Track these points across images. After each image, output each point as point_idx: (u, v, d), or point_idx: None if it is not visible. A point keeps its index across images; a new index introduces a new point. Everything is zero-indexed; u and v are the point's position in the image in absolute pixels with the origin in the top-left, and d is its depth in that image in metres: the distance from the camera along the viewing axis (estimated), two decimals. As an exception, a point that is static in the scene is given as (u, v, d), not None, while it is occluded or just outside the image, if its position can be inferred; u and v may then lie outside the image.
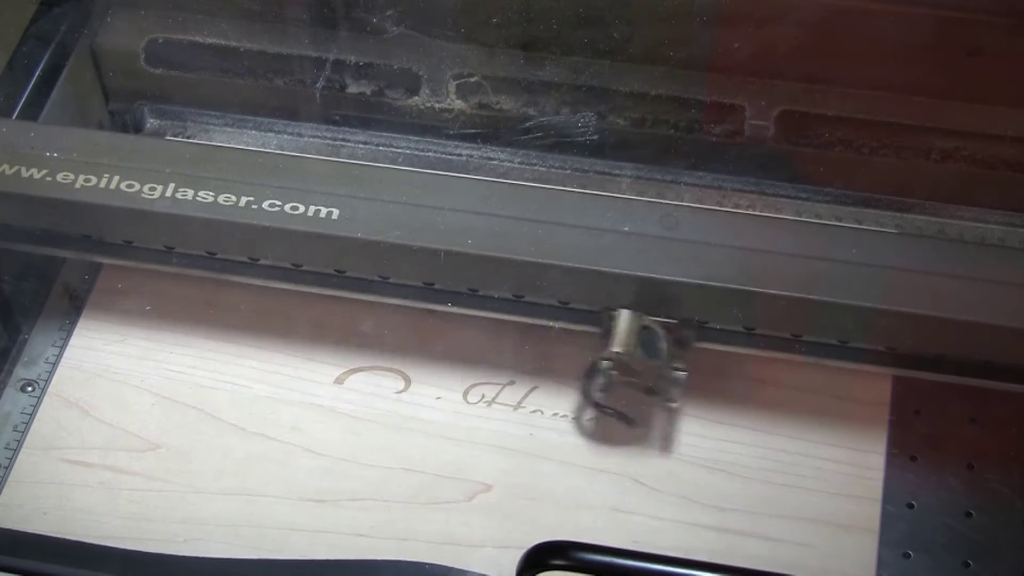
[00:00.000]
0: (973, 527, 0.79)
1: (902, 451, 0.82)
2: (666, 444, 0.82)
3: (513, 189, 0.84)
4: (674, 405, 0.81)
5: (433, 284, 0.83)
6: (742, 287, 0.76)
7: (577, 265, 0.78)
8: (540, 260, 0.78)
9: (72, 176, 0.81)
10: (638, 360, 0.78)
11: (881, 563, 0.77)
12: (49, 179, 0.81)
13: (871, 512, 0.79)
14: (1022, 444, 0.82)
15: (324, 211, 0.80)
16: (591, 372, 0.81)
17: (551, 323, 0.83)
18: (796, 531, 0.78)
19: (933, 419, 0.83)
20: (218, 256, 0.84)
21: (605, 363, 0.78)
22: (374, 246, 0.79)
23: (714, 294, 0.77)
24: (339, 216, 0.80)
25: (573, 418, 0.83)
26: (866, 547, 0.78)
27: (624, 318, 0.78)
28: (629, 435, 0.82)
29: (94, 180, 0.81)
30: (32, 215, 0.84)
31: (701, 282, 0.77)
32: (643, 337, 0.78)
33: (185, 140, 0.95)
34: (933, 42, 0.87)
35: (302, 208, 0.80)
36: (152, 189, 0.81)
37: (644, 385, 0.81)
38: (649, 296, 0.78)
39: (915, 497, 0.80)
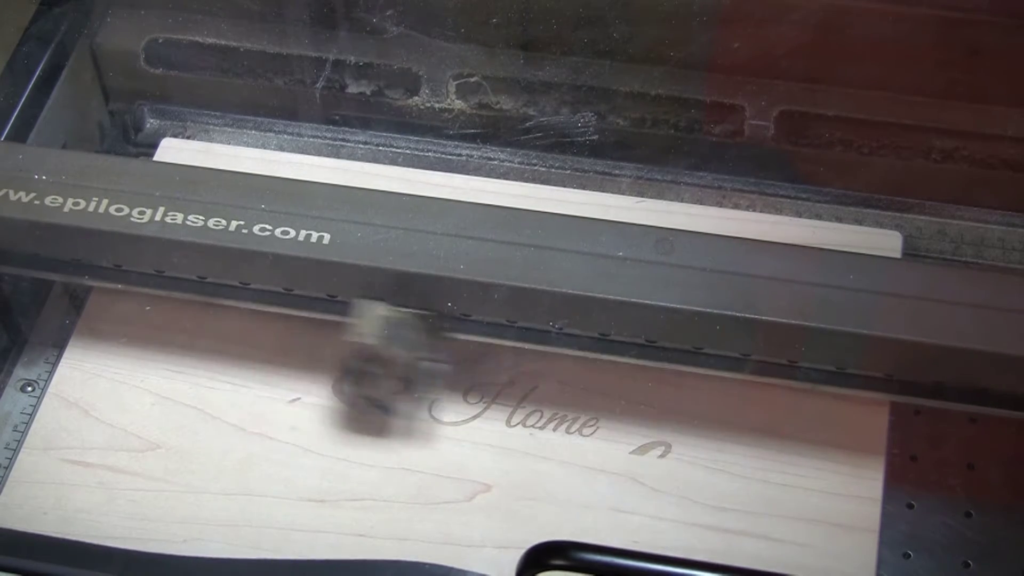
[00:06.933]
0: (973, 527, 0.79)
1: (902, 451, 0.82)
2: (666, 444, 0.82)
3: (508, 213, 0.82)
4: (426, 398, 0.81)
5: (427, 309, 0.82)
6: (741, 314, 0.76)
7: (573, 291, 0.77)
8: (533, 286, 0.77)
9: (60, 199, 0.80)
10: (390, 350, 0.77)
11: (881, 563, 0.77)
12: (37, 202, 0.80)
13: (871, 512, 0.79)
14: (1022, 444, 0.82)
15: (315, 236, 0.79)
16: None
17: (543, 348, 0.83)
18: (796, 531, 0.78)
19: (933, 419, 0.83)
20: (208, 280, 0.83)
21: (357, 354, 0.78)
22: (366, 271, 0.78)
23: (707, 320, 0.76)
24: (330, 241, 0.79)
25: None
26: (866, 547, 0.77)
27: (368, 307, 0.77)
28: (629, 435, 0.82)
29: (83, 203, 0.80)
30: (19, 239, 0.82)
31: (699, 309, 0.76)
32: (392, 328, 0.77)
33: (175, 163, 0.93)
34: (933, 42, 0.87)
35: (293, 232, 0.79)
36: (141, 213, 0.80)
37: (398, 376, 0.80)
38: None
39: (915, 497, 0.80)
